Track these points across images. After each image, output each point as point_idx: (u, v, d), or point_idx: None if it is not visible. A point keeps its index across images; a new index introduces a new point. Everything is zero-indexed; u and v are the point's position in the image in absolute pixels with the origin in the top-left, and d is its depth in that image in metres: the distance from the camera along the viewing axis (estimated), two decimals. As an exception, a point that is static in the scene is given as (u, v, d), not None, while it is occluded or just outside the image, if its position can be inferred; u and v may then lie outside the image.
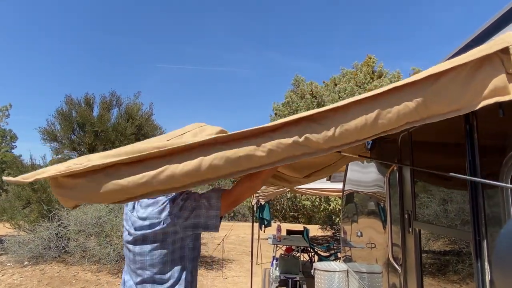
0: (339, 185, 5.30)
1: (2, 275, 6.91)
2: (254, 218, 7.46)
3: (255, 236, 7.97)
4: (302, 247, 7.35)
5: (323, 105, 12.62)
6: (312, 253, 8.21)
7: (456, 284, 1.57)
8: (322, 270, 3.80)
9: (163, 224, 1.70)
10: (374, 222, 2.99)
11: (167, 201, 1.76)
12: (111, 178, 1.09)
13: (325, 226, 16.35)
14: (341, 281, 3.64)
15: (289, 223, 16.93)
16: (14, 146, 37.70)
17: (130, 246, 1.77)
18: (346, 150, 2.85)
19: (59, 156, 10.52)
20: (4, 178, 1.09)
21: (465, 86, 1.07)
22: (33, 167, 9.78)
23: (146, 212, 1.76)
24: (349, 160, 3.06)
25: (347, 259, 4.02)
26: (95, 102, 10.66)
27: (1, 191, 15.91)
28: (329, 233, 15.94)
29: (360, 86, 14.69)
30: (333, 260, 6.83)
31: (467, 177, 1.37)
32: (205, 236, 9.89)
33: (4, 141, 37.08)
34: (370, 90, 12.80)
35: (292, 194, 13.47)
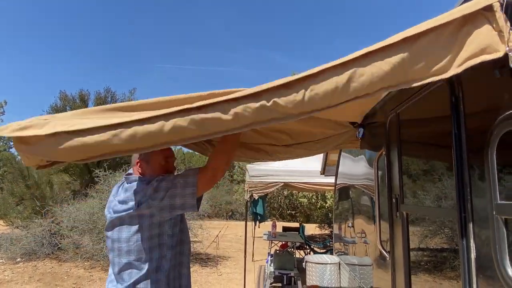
0: (333, 179, 5.23)
1: (-7, 272, 6.83)
2: (248, 213, 7.40)
3: (251, 234, 7.92)
4: (298, 244, 7.30)
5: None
6: (308, 250, 8.15)
7: (444, 270, 1.50)
8: (314, 263, 3.73)
9: (137, 206, 1.64)
10: (365, 215, 2.93)
11: (144, 183, 1.71)
12: (73, 135, 1.06)
13: (323, 224, 16.30)
14: (332, 273, 3.57)
15: (288, 222, 16.89)
16: (12, 145, 37.53)
17: (109, 233, 1.73)
18: (333, 134, 2.80)
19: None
20: None
21: (447, 47, 1.00)
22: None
23: (125, 195, 1.71)
24: (334, 147, 2.98)
25: (340, 253, 3.95)
26: (89, 99, 10.62)
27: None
28: (326, 232, 15.88)
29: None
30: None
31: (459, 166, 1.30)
32: (200, 233, 9.82)
33: (1, 140, 36.96)
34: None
35: (289, 192, 13.43)
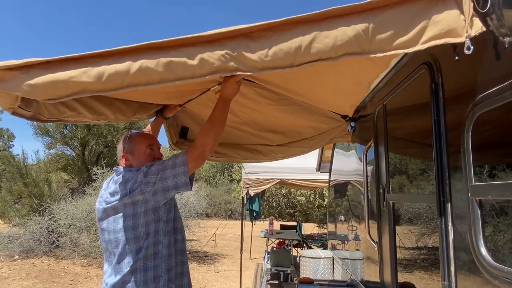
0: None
1: (-9, 269, 6.85)
2: (244, 209, 7.42)
3: (249, 234, 7.94)
4: (296, 242, 7.32)
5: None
6: (306, 248, 8.17)
7: (428, 256, 1.52)
8: (308, 257, 3.76)
9: (130, 192, 1.65)
10: (357, 210, 2.95)
11: (133, 171, 1.73)
12: (45, 72, 1.12)
13: (322, 224, 16.32)
14: (326, 267, 3.59)
15: (287, 221, 16.90)
16: (12, 145, 37.60)
17: (104, 225, 1.72)
18: (326, 130, 2.82)
19: (52, 150, 10.46)
20: None
21: (414, 22, 1.01)
22: (25, 163, 9.73)
23: (116, 186, 1.72)
24: (327, 142, 3.00)
25: (334, 247, 3.97)
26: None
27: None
28: (325, 231, 15.89)
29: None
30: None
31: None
32: (198, 231, 9.85)
33: (1, 140, 36.99)
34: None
35: (287, 190, 13.45)
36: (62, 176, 11.25)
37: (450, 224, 1.27)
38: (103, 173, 8.66)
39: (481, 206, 1.11)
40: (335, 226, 4.03)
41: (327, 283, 3.10)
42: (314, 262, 3.67)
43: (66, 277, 6.58)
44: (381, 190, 2.05)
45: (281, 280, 6.35)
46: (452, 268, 1.25)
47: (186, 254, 1.89)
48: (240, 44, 1.11)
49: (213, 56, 1.11)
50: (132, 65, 1.12)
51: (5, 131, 36.93)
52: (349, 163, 3.28)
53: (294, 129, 2.74)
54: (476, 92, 1.10)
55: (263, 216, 14.02)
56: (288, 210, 16.04)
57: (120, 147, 1.87)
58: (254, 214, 8.28)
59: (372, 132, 2.25)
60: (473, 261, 1.12)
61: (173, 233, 1.77)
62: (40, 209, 8.33)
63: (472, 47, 0.96)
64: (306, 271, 3.72)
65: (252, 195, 6.71)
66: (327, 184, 6.56)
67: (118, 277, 1.65)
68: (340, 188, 3.80)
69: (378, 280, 2.12)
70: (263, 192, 9.55)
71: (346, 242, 3.31)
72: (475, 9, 0.99)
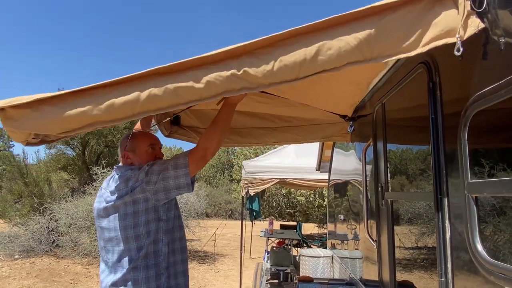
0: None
1: (-9, 268, 6.86)
2: (244, 208, 7.44)
3: (249, 233, 7.94)
4: (296, 242, 7.33)
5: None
6: (305, 247, 8.18)
7: (427, 254, 1.53)
8: (308, 256, 3.77)
9: (131, 191, 1.66)
10: (356, 209, 2.96)
11: (135, 170, 1.73)
12: (55, 108, 1.13)
13: (322, 224, 16.32)
14: (325, 266, 3.60)
15: (287, 221, 16.90)
16: (12, 145, 37.61)
17: (104, 223, 1.72)
18: (323, 122, 2.82)
19: (52, 150, 10.48)
20: None
21: (414, 26, 1.03)
22: (25, 162, 9.75)
23: (116, 185, 1.73)
24: (323, 137, 3.00)
25: (333, 247, 3.98)
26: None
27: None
28: (325, 231, 15.87)
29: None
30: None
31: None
32: (198, 231, 9.86)
33: (1, 139, 37.02)
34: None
35: (287, 190, 13.45)
36: (62, 176, 11.26)
37: (447, 221, 1.28)
38: (103, 172, 8.67)
39: (477, 203, 1.12)
40: (335, 226, 4.05)
41: (326, 281, 3.11)
42: (313, 261, 3.68)
43: (67, 276, 6.60)
44: (379, 189, 2.06)
45: (281, 279, 6.37)
46: (449, 265, 1.26)
47: (186, 252, 1.90)
48: (245, 63, 1.12)
49: (219, 78, 1.12)
50: (140, 95, 1.14)
51: (6, 131, 36.93)
52: (348, 163, 3.30)
53: (289, 115, 2.72)
54: (473, 90, 1.12)
55: (263, 216, 14.03)
56: (288, 210, 16.05)
57: (121, 145, 1.88)
58: (254, 213, 8.29)
59: (371, 131, 2.27)
60: (469, 257, 1.13)
61: (173, 232, 1.78)
62: (41, 208, 8.34)
63: (462, 49, 0.98)
64: (306, 270, 3.73)
65: (252, 195, 6.72)
66: (326, 184, 6.58)
67: (119, 275, 1.65)
68: (340, 188, 3.81)
69: (377, 279, 2.13)
70: (263, 191, 9.57)
71: (345, 241, 3.32)
72: (471, 8, 1.01)
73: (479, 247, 1.09)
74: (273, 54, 1.10)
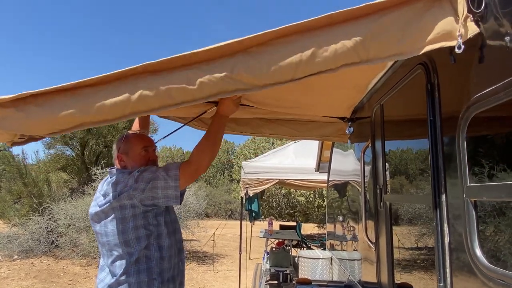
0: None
1: (-10, 269, 6.85)
2: (243, 209, 7.43)
3: (248, 234, 7.92)
4: (295, 242, 7.31)
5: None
6: (305, 248, 8.16)
7: (425, 257, 1.52)
8: (306, 258, 3.75)
9: (118, 195, 1.64)
10: (355, 210, 2.94)
11: (125, 174, 1.71)
12: (42, 109, 1.08)
13: (321, 224, 16.30)
14: (324, 268, 3.59)
15: (287, 221, 16.88)
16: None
17: (97, 228, 1.72)
18: (321, 120, 2.80)
19: (51, 150, 10.46)
20: None
21: (409, 27, 1.00)
22: (24, 163, 9.73)
23: (107, 187, 1.71)
24: (320, 135, 2.98)
25: (332, 248, 3.96)
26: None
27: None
28: (325, 231, 15.84)
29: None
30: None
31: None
32: (198, 232, 9.84)
33: (1, 139, 37.02)
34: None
35: (287, 190, 13.43)
36: (61, 176, 11.25)
37: (445, 225, 1.26)
38: (102, 173, 8.65)
39: (476, 207, 1.10)
40: (334, 227, 4.03)
41: (325, 283, 3.09)
42: (312, 263, 3.66)
43: (65, 277, 6.58)
44: (378, 191, 2.05)
45: (280, 280, 6.35)
46: (448, 270, 1.25)
47: (182, 256, 1.87)
48: (239, 62, 1.08)
49: (213, 79, 1.09)
50: (131, 96, 1.09)
51: None
52: (347, 164, 3.28)
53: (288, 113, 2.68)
54: (472, 92, 1.10)
55: (262, 216, 14.01)
56: (288, 210, 16.03)
57: (115, 147, 1.86)
58: (253, 214, 8.27)
59: (369, 132, 2.25)
60: (468, 262, 1.11)
61: (165, 237, 1.75)
62: (40, 209, 8.32)
63: (463, 46, 0.96)
64: (304, 272, 3.71)
65: (251, 195, 6.70)
66: (326, 184, 6.57)
67: (113, 279, 1.65)
68: (339, 189, 3.79)
69: (375, 281, 2.12)
70: (263, 192, 9.55)
71: (344, 242, 3.30)
72: (469, 9, 0.99)
73: (478, 252, 1.07)
74: (269, 53, 1.07)
